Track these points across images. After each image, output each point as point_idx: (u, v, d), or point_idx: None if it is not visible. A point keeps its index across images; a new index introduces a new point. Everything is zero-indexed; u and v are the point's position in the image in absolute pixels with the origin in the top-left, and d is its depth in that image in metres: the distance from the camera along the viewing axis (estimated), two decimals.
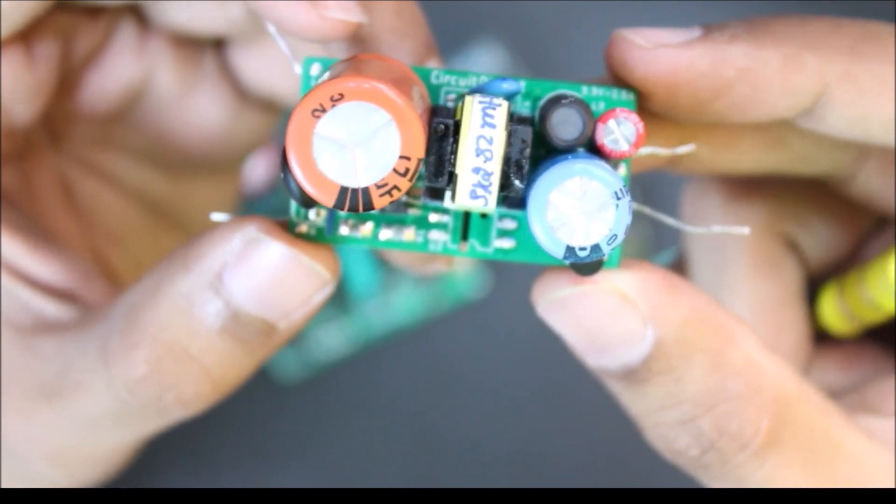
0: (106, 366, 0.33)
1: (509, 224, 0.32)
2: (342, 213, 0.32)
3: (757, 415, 0.32)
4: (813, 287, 0.39)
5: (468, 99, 0.30)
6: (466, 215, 0.32)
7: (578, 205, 0.30)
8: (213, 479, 0.61)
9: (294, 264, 0.32)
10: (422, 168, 0.31)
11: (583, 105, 0.31)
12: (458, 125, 0.30)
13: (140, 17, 0.40)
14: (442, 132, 0.30)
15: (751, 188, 0.38)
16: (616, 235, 0.30)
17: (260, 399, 0.62)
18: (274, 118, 0.43)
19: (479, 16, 0.62)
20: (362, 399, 0.63)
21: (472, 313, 0.65)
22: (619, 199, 0.29)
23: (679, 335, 0.32)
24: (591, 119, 0.31)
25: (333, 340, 0.64)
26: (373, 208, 0.29)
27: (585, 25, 0.61)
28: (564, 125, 0.31)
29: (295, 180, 0.29)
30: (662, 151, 0.34)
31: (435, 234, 0.32)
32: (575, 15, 0.61)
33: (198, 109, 0.40)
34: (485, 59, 0.60)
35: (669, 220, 0.35)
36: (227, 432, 0.61)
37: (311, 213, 0.32)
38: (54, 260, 0.36)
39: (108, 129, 0.40)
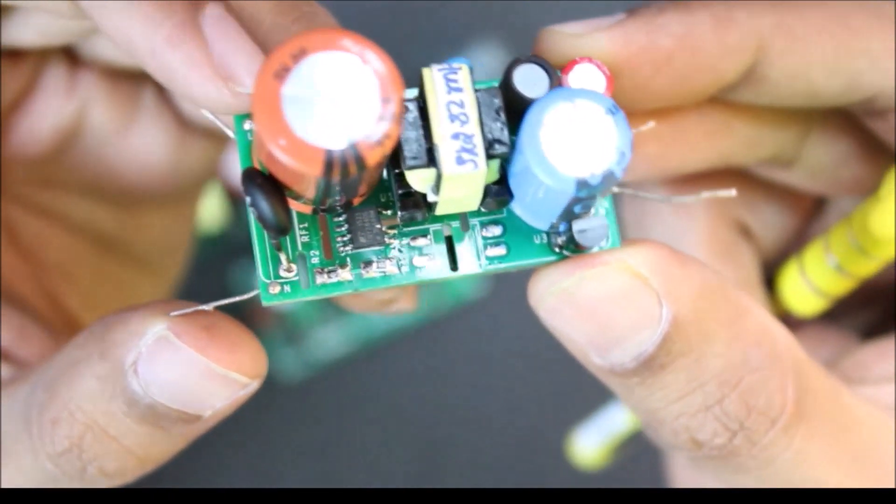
0: (30, 436, 0.32)
1: (495, 230, 0.30)
2: (316, 262, 0.30)
3: (782, 385, 0.31)
4: (765, 274, 0.38)
5: (426, 71, 0.28)
6: (449, 239, 0.30)
7: (575, 132, 0.27)
8: (213, 479, 0.61)
9: (207, 372, 0.30)
10: (394, 198, 0.29)
11: (544, 60, 0.29)
12: (423, 101, 0.28)
13: (70, 55, 0.38)
14: (409, 111, 0.28)
15: (696, 180, 0.37)
16: (624, 153, 0.27)
17: (260, 399, 0.61)
18: (221, 147, 0.40)
19: (479, 16, 0.62)
20: (362, 399, 0.63)
21: (471, 313, 0.65)
22: (615, 113, 0.27)
23: (695, 310, 0.29)
24: (556, 74, 0.29)
25: (333, 340, 0.64)
26: (366, 167, 0.26)
27: None
28: (530, 82, 0.28)
29: (273, 160, 0.26)
30: None
31: (419, 261, 0.30)
32: (575, 15, 0.61)
33: (139, 143, 0.39)
34: (485, 60, 0.60)
35: (653, 196, 0.33)
36: (227, 432, 0.61)
37: (283, 269, 0.29)
38: None
39: (48, 169, 0.39)
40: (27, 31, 0.35)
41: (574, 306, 0.30)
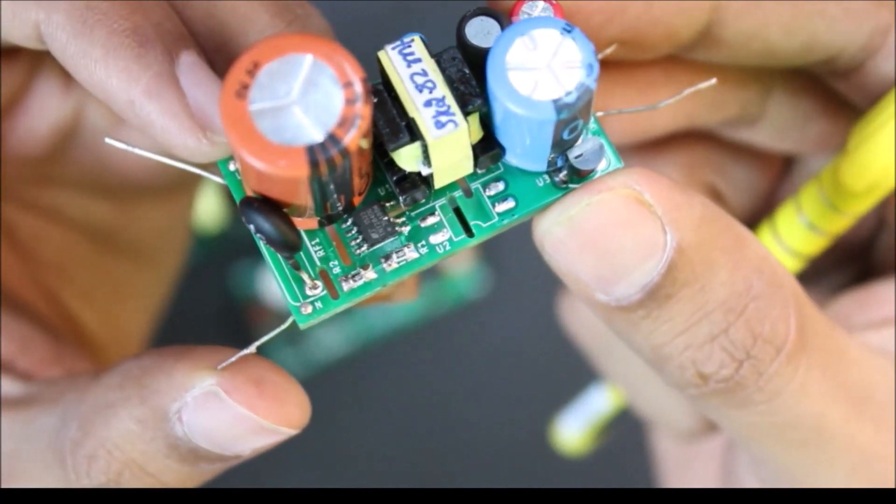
0: (63, 468, 0.32)
1: (498, 186, 0.31)
2: (339, 272, 0.30)
3: (785, 312, 0.31)
4: None
5: (381, 53, 0.29)
6: (457, 209, 0.31)
7: (538, 61, 0.28)
8: (212, 479, 0.61)
9: (255, 427, 0.31)
10: (391, 186, 0.30)
11: (489, 9, 0.29)
12: (387, 83, 0.29)
13: None
14: (377, 98, 0.29)
15: (664, 144, 0.38)
16: (591, 64, 0.28)
17: None
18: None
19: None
20: (362, 399, 0.64)
21: (471, 313, 0.65)
22: (570, 31, 0.28)
23: (698, 237, 0.30)
24: (506, 18, 0.29)
25: (333, 340, 0.64)
26: (349, 152, 0.27)
27: None
28: (483, 33, 0.29)
29: (262, 179, 0.27)
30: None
31: (435, 238, 0.30)
32: None
33: (135, 136, 0.38)
34: None
35: (637, 109, 0.33)
36: None
37: (308, 288, 0.30)
38: None
39: (45, 167, 0.39)
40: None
41: (579, 237, 0.30)
